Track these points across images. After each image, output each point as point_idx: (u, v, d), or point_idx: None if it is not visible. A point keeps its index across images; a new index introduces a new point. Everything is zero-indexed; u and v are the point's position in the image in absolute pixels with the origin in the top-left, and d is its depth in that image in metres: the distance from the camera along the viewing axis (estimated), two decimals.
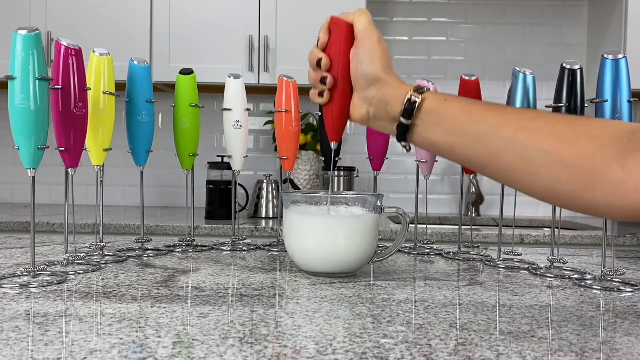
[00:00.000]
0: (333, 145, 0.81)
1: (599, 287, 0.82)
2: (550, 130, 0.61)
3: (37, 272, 0.78)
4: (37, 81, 0.73)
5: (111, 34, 2.35)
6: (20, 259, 0.96)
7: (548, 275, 0.91)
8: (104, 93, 0.91)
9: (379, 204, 0.85)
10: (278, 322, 0.60)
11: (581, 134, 0.60)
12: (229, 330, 0.57)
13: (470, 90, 1.02)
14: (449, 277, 0.88)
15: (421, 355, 0.51)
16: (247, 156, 1.11)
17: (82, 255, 0.91)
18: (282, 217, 0.92)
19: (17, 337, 0.53)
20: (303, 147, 2.50)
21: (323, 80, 0.75)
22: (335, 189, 2.44)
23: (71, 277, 0.81)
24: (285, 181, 2.23)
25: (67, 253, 0.88)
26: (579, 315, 0.67)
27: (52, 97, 0.79)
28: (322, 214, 0.84)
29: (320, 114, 0.80)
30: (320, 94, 0.76)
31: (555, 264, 0.95)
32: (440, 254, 1.09)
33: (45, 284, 0.75)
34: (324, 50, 0.75)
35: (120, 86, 0.91)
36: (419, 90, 0.68)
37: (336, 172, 2.43)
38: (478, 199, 2.61)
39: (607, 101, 0.82)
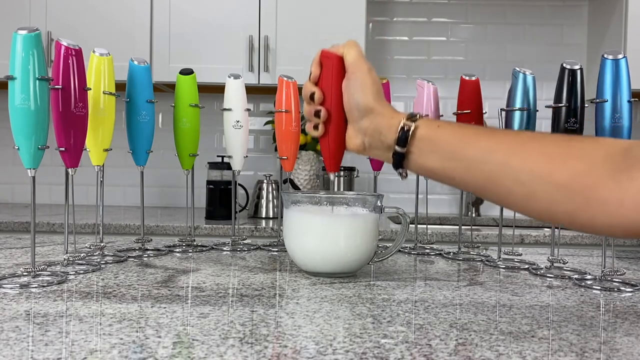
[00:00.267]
0: (332, 176, 0.83)
1: (599, 287, 0.82)
2: (543, 152, 0.61)
3: (37, 272, 0.78)
4: (37, 81, 0.73)
5: (111, 34, 2.35)
6: (20, 259, 0.96)
7: (548, 275, 0.91)
8: (104, 93, 0.91)
9: (379, 204, 0.85)
10: (278, 322, 0.60)
11: (574, 154, 0.60)
12: (229, 330, 0.57)
13: (470, 90, 1.02)
14: (449, 277, 0.88)
15: (421, 355, 0.51)
16: (247, 156, 1.11)
17: (82, 255, 0.91)
18: (282, 217, 0.92)
19: (17, 337, 0.53)
20: (303, 147, 2.50)
21: (317, 114, 0.76)
22: (335, 189, 2.44)
23: (71, 277, 0.81)
24: (285, 181, 2.23)
25: (67, 253, 0.88)
26: (579, 315, 0.67)
27: (52, 97, 0.79)
28: (322, 214, 0.84)
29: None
30: (316, 127, 0.77)
31: (555, 264, 0.95)
32: (440, 254, 1.09)
33: (45, 284, 0.75)
34: (316, 83, 0.77)
35: (120, 86, 0.91)
36: (412, 117, 0.69)
37: (336, 172, 2.43)
38: (478, 199, 2.61)
39: (607, 101, 0.82)
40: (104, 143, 0.93)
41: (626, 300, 0.75)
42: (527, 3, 2.72)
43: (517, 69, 0.95)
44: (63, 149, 0.82)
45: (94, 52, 0.91)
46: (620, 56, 0.82)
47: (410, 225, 1.01)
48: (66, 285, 0.76)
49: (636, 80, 1.23)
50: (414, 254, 1.10)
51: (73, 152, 0.83)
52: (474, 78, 1.03)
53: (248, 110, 1.09)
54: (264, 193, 2.37)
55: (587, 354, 0.52)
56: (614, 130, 0.83)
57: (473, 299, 0.73)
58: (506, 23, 2.74)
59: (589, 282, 0.85)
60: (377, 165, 1.09)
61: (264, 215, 2.36)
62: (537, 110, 0.94)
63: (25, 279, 0.77)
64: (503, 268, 0.97)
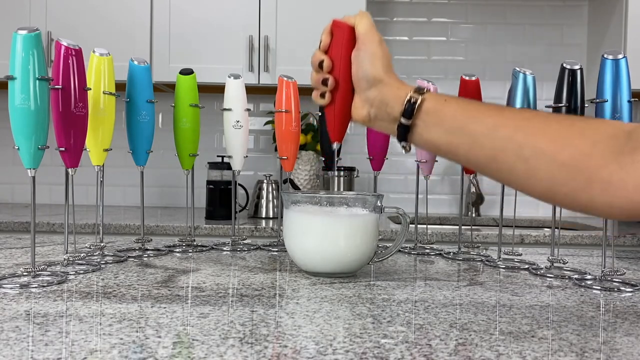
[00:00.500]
0: (335, 145, 0.82)
1: (599, 287, 0.82)
2: (548, 130, 0.61)
3: (37, 272, 0.78)
4: (37, 81, 0.73)
5: (111, 34, 2.35)
6: (20, 259, 0.96)
7: (548, 275, 0.91)
8: (104, 93, 0.91)
9: (379, 204, 0.85)
10: (278, 322, 0.60)
11: (578, 133, 0.60)
12: (229, 330, 0.57)
13: (470, 90, 1.02)
14: (449, 277, 0.88)
15: (421, 355, 0.51)
16: (247, 156, 1.11)
17: (82, 255, 0.91)
18: (282, 217, 0.92)
19: (17, 337, 0.53)
20: (303, 147, 2.50)
21: (325, 82, 0.76)
22: (336, 189, 2.44)
23: (71, 277, 0.81)
24: (285, 181, 2.23)
25: (67, 253, 0.88)
26: (579, 315, 0.67)
27: (52, 97, 0.79)
28: (322, 214, 0.84)
29: (320, 114, 0.81)
30: (322, 95, 0.77)
31: (555, 264, 0.95)
32: (440, 254, 1.09)
33: (45, 284, 0.75)
34: (325, 52, 0.76)
35: (120, 86, 0.91)
36: (419, 90, 0.69)
37: (336, 172, 2.43)
38: (478, 199, 2.61)
39: (607, 101, 0.82)
40: (104, 143, 0.93)
41: (626, 300, 0.75)
42: (527, 3, 2.72)
43: (517, 69, 0.95)
44: (63, 149, 0.82)
45: (94, 52, 0.91)
46: (620, 56, 0.82)
47: (410, 225, 1.01)
48: (66, 285, 0.76)
49: (636, 80, 1.23)
50: (414, 254, 1.10)
51: (73, 152, 0.83)
52: (474, 78, 1.03)
53: (248, 110, 1.09)
54: (264, 193, 2.37)
55: (587, 354, 0.52)
56: None
57: (473, 299, 0.73)
58: (506, 23, 2.74)
59: (589, 282, 0.85)
60: (377, 165, 1.09)
61: (264, 215, 2.36)
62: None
63: (25, 279, 0.77)
64: (503, 268, 0.97)
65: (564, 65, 0.88)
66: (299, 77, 1.09)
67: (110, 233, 2.00)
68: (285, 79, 1.06)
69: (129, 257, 0.98)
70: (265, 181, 2.38)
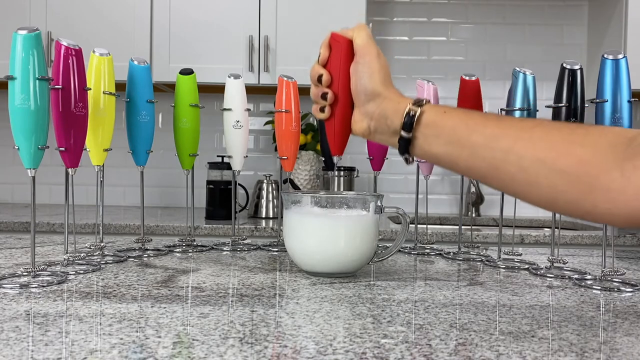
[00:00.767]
0: (335, 159, 0.82)
1: (599, 287, 0.82)
2: (548, 139, 0.61)
3: (37, 272, 0.78)
4: (37, 81, 0.73)
5: (111, 34, 2.35)
6: (20, 259, 0.96)
7: (548, 275, 0.91)
8: (104, 93, 0.91)
9: (379, 204, 0.85)
10: (278, 322, 0.60)
11: (579, 141, 0.60)
12: (229, 330, 0.57)
13: (470, 90, 1.02)
14: (449, 277, 0.88)
15: (421, 355, 0.51)
16: (247, 156, 1.11)
17: (82, 255, 0.91)
18: (282, 217, 0.92)
19: (17, 337, 0.53)
20: (303, 147, 2.50)
21: (324, 96, 0.76)
22: (336, 189, 2.44)
23: (71, 277, 0.81)
24: (285, 181, 2.23)
25: (67, 253, 0.88)
26: (579, 315, 0.67)
27: (52, 97, 0.79)
28: (322, 214, 0.84)
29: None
30: (322, 110, 0.77)
31: (555, 264, 0.95)
32: (440, 254, 1.09)
33: (45, 284, 0.75)
34: (324, 66, 0.77)
35: (120, 86, 0.91)
36: (418, 103, 0.69)
37: (336, 172, 2.43)
38: (478, 199, 2.61)
39: (607, 101, 0.82)
40: (104, 143, 0.93)
41: (626, 300, 0.75)
42: (527, 3, 2.72)
43: (517, 69, 0.95)
44: (63, 149, 0.82)
45: (94, 52, 0.91)
46: (620, 56, 0.82)
47: (410, 225, 1.01)
48: (66, 285, 0.76)
49: (636, 80, 1.23)
50: (414, 254, 1.10)
51: (73, 152, 0.83)
52: (474, 78, 1.03)
53: (248, 110, 1.09)
54: (264, 193, 2.37)
55: (587, 354, 0.52)
56: None
57: (473, 299, 0.73)
58: (506, 23, 2.74)
59: (589, 282, 0.85)
60: (377, 165, 1.09)
61: (264, 215, 2.36)
62: (537, 110, 0.94)
63: (25, 279, 0.77)
64: (503, 268, 0.97)
65: (564, 65, 0.88)
66: (299, 77, 1.09)
67: (110, 233, 2.00)
68: (285, 79, 1.06)
69: (129, 257, 0.98)
70: (265, 181, 2.38)
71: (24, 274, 0.78)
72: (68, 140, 0.82)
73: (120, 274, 0.84)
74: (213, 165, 2.29)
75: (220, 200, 2.27)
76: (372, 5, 2.66)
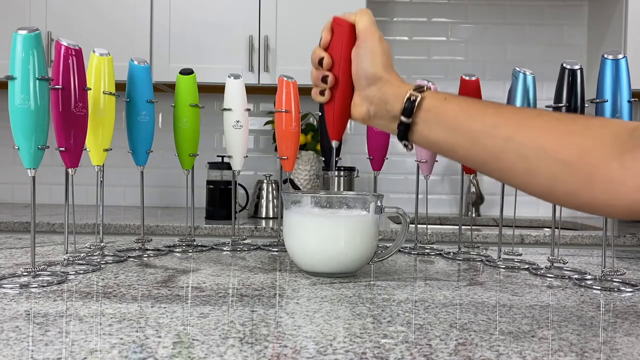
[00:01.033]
0: (334, 144, 0.82)
1: (599, 287, 0.82)
2: (549, 128, 0.61)
3: (37, 272, 0.78)
4: (37, 81, 0.73)
5: (111, 34, 2.35)
6: (20, 259, 0.96)
7: (548, 275, 0.91)
8: (104, 93, 0.91)
9: (379, 204, 0.85)
10: (278, 322, 0.60)
11: (580, 132, 0.60)
12: (229, 330, 0.57)
13: (470, 90, 1.02)
14: (449, 277, 0.88)
15: (421, 355, 0.51)
16: (247, 156, 1.11)
17: (82, 255, 0.91)
18: (282, 217, 0.92)
19: (17, 337, 0.53)
20: (303, 147, 2.50)
21: (324, 79, 0.75)
22: (336, 189, 2.44)
23: (71, 277, 0.81)
24: (285, 181, 2.23)
25: (67, 253, 0.88)
26: (579, 315, 0.67)
27: (52, 97, 0.79)
28: (322, 214, 0.84)
29: (320, 114, 0.81)
30: (322, 93, 0.77)
31: (555, 264, 0.95)
32: (440, 254, 1.09)
33: (45, 284, 0.75)
34: (326, 49, 0.76)
35: (120, 86, 0.91)
36: (419, 89, 0.68)
37: (336, 172, 2.43)
38: (478, 199, 2.61)
39: (607, 101, 0.82)
40: (104, 143, 0.93)
41: (626, 300, 0.75)
42: (527, 3, 2.72)
43: (517, 69, 0.95)
44: (63, 149, 0.82)
45: (94, 52, 0.91)
46: (620, 56, 0.82)
47: (410, 225, 1.01)
48: (66, 285, 0.76)
49: (636, 80, 1.23)
50: (414, 254, 1.10)
51: (73, 152, 0.83)
52: (474, 78, 1.03)
53: (248, 110, 1.09)
54: (264, 193, 2.37)
55: (587, 354, 0.52)
56: None
57: (473, 299, 0.73)
58: (506, 23, 2.74)
59: (589, 282, 0.85)
60: (377, 165, 1.09)
61: (264, 215, 2.36)
62: None
63: (25, 279, 0.77)
64: (503, 268, 0.97)
65: (564, 65, 0.88)
66: (299, 77, 1.09)
67: (110, 233, 2.00)
68: (285, 79, 1.06)
69: (129, 257, 0.98)
70: (265, 181, 2.38)
71: (24, 274, 0.78)
72: (68, 140, 0.82)
73: (120, 274, 0.84)
74: (213, 165, 2.29)
75: (220, 200, 2.27)
76: (372, 5, 2.66)
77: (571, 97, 0.87)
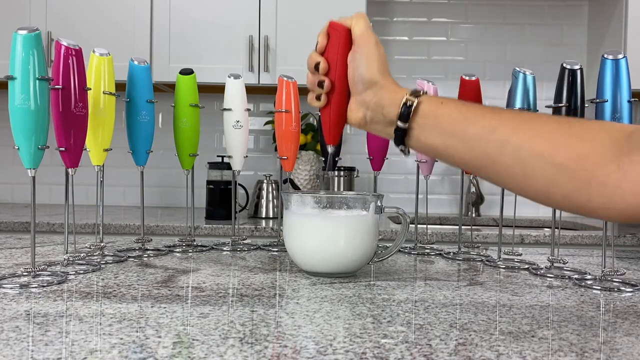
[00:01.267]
0: (330, 148, 0.82)
1: (599, 287, 0.82)
2: (545, 132, 0.61)
3: (37, 272, 0.78)
4: (37, 81, 0.73)
5: (111, 34, 2.35)
6: (20, 259, 0.96)
7: (548, 275, 0.91)
8: (104, 93, 0.91)
9: (379, 204, 0.85)
10: (278, 322, 0.60)
11: (576, 135, 0.60)
12: (229, 330, 0.57)
13: (470, 90, 1.02)
14: (449, 277, 0.88)
15: (421, 355, 0.51)
16: (247, 156, 1.11)
17: (82, 255, 0.91)
18: (282, 217, 0.92)
19: (17, 337, 0.53)
20: (303, 147, 2.50)
21: (320, 84, 0.76)
22: (336, 189, 2.44)
23: (71, 277, 0.81)
24: (285, 181, 2.23)
25: (67, 253, 0.88)
26: (579, 315, 0.67)
27: (52, 97, 0.79)
28: (322, 214, 0.84)
29: (320, 114, 0.81)
30: (318, 98, 0.77)
31: (555, 264, 0.95)
32: (440, 254, 1.09)
33: (45, 284, 0.75)
34: (322, 54, 0.76)
35: (120, 86, 0.91)
36: (416, 93, 0.69)
37: (336, 172, 2.43)
38: (478, 199, 2.61)
39: (607, 101, 0.82)
40: (104, 143, 0.93)
41: (626, 300, 0.75)
42: (527, 3, 2.72)
43: (517, 69, 0.95)
44: (63, 149, 0.82)
45: (94, 52, 0.91)
46: (620, 56, 0.82)
47: (410, 225, 1.01)
48: (66, 285, 0.76)
49: (636, 80, 1.23)
50: (414, 254, 1.10)
51: (73, 152, 0.83)
52: (474, 78, 1.03)
53: (248, 110, 1.09)
54: (264, 193, 2.37)
55: (587, 354, 0.52)
56: None
57: (473, 299, 0.73)
58: (506, 23, 2.74)
59: (589, 282, 0.85)
60: (377, 165, 1.09)
61: (264, 215, 2.36)
62: (537, 110, 0.94)
63: (25, 279, 0.77)
64: (503, 268, 0.97)
65: (564, 65, 0.88)
66: (299, 77, 1.09)
67: (110, 233, 2.00)
68: (285, 79, 1.06)
69: (129, 257, 0.98)
70: (265, 181, 2.38)
71: (24, 274, 0.78)
72: (68, 140, 0.82)
73: (120, 274, 0.84)
74: (213, 165, 2.29)
75: (220, 200, 2.27)
76: (372, 5, 2.66)
77: (571, 97, 0.87)
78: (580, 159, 0.58)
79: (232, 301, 0.69)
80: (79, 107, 0.82)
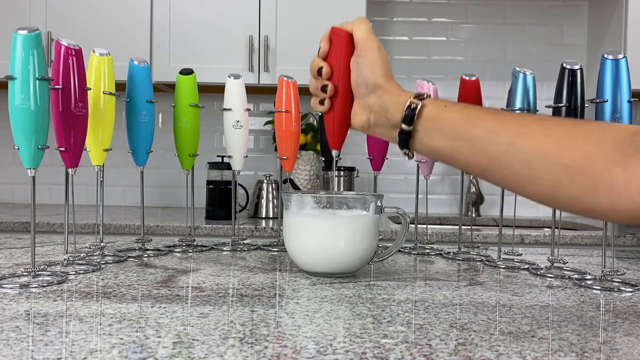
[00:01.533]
0: (334, 153, 0.82)
1: (599, 287, 0.82)
2: (550, 133, 0.61)
3: (37, 272, 0.78)
4: (37, 81, 0.73)
5: (111, 34, 2.35)
6: (20, 259, 0.96)
7: (548, 275, 0.91)
8: (104, 93, 0.91)
9: (379, 204, 0.85)
10: (278, 322, 0.60)
11: (582, 136, 0.59)
12: (229, 330, 0.57)
13: (470, 90, 1.02)
14: (449, 277, 0.88)
15: (421, 355, 0.51)
16: (247, 156, 1.11)
17: (82, 255, 0.91)
18: (282, 217, 0.92)
19: (17, 337, 0.53)
20: (303, 147, 2.50)
21: (324, 89, 0.76)
22: (335, 189, 2.44)
23: (71, 277, 0.81)
24: (285, 181, 2.23)
25: (67, 253, 0.88)
26: (579, 315, 0.67)
27: (52, 97, 0.79)
28: (322, 215, 0.84)
29: (320, 114, 0.81)
30: (321, 102, 0.77)
31: (555, 264, 0.95)
32: (440, 254, 1.09)
33: (45, 284, 0.75)
34: (324, 59, 0.77)
35: (120, 86, 0.91)
36: (419, 96, 0.69)
37: (336, 172, 2.43)
38: (478, 199, 2.61)
39: (607, 101, 0.82)
40: (104, 143, 0.93)
41: (626, 300, 0.75)
42: (527, 3, 2.72)
43: (517, 69, 0.95)
44: (63, 149, 0.82)
45: (94, 52, 0.91)
46: (620, 56, 0.82)
47: (410, 225, 1.01)
48: (66, 285, 0.76)
49: (636, 80, 1.23)
50: (414, 254, 1.10)
51: (73, 152, 0.83)
52: (474, 78, 1.03)
53: (248, 110, 1.09)
54: (264, 193, 2.37)
55: (587, 354, 0.52)
56: None
57: (473, 299, 0.73)
58: (506, 23, 2.74)
59: (589, 282, 0.85)
60: (377, 165, 1.09)
61: (264, 215, 2.36)
62: (537, 110, 0.94)
63: (25, 279, 0.77)
64: (503, 268, 0.97)
65: (564, 65, 0.88)
66: (299, 77, 1.09)
67: (110, 233, 2.00)
68: (285, 79, 1.06)
69: (129, 257, 0.98)
70: (265, 181, 2.38)
71: (24, 274, 0.78)
72: (68, 140, 0.82)
73: (120, 274, 0.84)
74: (213, 165, 2.29)
75: (220, 200, 2.27)
76: (372, 5, 2.66)
77: (571, 97, 0.87)
78: (587, 160, 0.58)
79: (232, 301, 0.69)
80: (79, 107, 0.82)
